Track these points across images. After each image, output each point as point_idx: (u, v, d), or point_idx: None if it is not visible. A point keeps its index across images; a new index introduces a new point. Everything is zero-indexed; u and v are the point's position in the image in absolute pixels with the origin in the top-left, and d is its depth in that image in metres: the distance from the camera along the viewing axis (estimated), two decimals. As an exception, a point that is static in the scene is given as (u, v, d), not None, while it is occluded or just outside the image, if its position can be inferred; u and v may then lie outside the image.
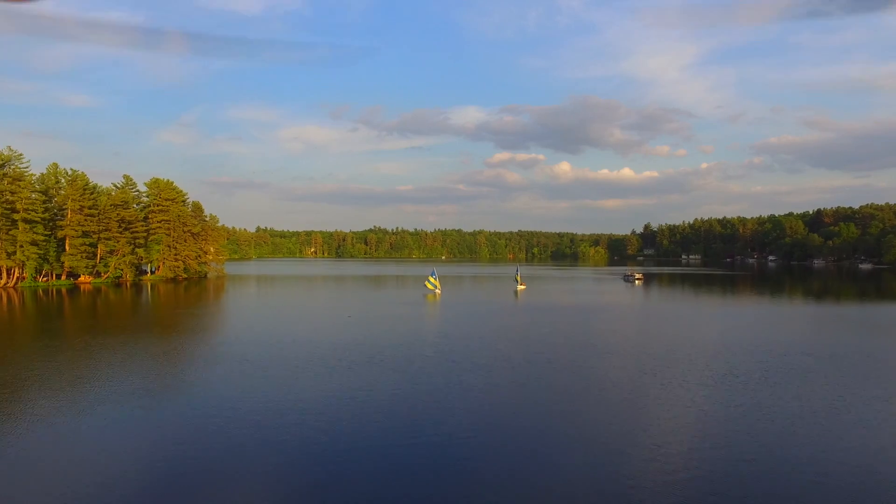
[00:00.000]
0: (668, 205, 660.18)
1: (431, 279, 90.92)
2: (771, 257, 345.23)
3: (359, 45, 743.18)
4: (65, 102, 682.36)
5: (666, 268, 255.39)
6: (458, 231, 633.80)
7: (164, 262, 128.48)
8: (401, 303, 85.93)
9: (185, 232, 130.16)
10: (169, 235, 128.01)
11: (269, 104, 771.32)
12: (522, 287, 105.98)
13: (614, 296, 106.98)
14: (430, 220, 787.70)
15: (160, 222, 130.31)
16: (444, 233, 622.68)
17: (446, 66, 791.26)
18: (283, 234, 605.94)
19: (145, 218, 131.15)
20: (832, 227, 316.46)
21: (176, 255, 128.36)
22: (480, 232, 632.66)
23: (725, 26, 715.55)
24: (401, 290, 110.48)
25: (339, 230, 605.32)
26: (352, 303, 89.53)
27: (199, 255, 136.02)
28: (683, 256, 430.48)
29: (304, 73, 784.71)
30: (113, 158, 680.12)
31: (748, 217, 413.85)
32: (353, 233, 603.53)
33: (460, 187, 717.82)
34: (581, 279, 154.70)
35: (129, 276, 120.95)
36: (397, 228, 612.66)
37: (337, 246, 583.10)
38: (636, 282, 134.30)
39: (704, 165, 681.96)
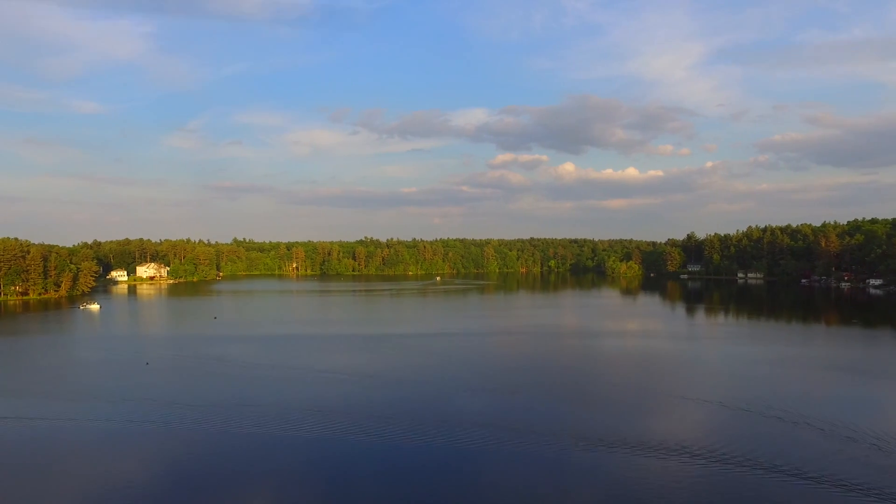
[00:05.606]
0: (674, 204, 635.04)
1: None
2: (874, 281, 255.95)
3: (364, 48, 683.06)
4: (74, 109, 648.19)
5: (744, 318, 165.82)
6: (462, 241, 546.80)
7: None
8: None
9: None
10: None
11: (275, 108, 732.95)
12: None
13: None
14: (435, 222, 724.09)
15: None
16: (446, 243, 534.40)
17: (452, 67, 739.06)
18: (261, 248, 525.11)
19: None
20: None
21: None
22: (488, 242, 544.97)
23: (732, 25, 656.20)
24: None
25: (323, 241, 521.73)
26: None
27: None
28: (741, 275, 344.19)
29: (306, 76, 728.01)
30: (114, 164, 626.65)
31: (827, 223, 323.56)
32: (341, 244, 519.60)
33: (464, 189, 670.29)
34: None
35: None
36: (391, 240, 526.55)
37: (321, 261, 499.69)
38: None
39: (709, 164, 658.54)
